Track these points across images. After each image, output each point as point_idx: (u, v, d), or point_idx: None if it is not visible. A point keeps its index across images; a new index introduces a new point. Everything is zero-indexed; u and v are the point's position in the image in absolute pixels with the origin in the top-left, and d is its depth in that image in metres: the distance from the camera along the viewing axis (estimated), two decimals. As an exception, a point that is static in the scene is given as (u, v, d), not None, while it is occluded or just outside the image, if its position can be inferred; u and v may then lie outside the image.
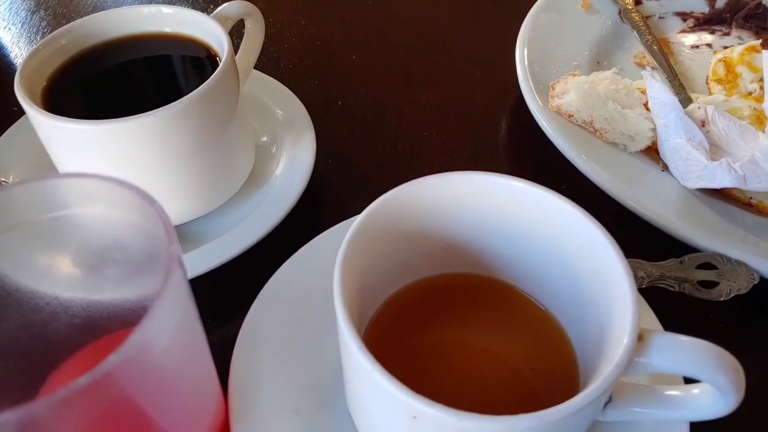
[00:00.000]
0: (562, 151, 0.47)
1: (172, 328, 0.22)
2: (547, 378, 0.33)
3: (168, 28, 0.45)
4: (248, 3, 0.47)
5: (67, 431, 0.21)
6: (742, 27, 0.63)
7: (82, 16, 0.44)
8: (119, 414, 0.22)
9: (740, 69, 0.54)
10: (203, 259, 0.40)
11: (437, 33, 0.67)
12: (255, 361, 0.34)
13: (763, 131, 0.45)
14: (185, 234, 0.44)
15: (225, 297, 0.42)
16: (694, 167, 0.43)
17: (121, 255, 0.29)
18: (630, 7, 0.62)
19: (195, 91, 0.38)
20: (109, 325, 0.31)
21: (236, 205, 0.46)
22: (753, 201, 0.45)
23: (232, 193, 0.45)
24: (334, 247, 0.29)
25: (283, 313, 0.36)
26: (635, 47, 0.60)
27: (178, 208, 0.42)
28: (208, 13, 0.44)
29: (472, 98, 0.59)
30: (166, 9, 0.44)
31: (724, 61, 0.55)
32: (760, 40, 0.58)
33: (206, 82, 0.38)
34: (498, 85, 0.60)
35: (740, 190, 0.45)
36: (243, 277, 0.41)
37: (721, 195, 0.46)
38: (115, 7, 0.45)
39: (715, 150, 0.45)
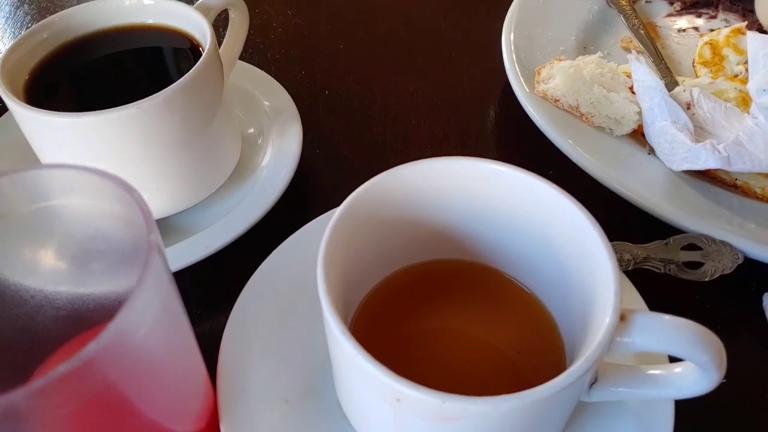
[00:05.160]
0: (548, 136, 0.47)
1: (153, 317, 0.22)
2: (534, 361, 0.33)
3: (150, 20, 0.44)
4: (231, -7, 0.47)
5: (49, 420, 0.21)
6: (728, 10, 0.63)
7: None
8: (103, 403, 0.22)
9: (726, 51, 0.54)
10: (190, 251, 0.40)
11: (424, 21, 0.67)
12: (243, 349, 0.34)
13: (748, 112, 0.45)
14: (172, 226, 0.44)
15: (213, 288, 0.42)
16: (679, 149, 0.43)
17: (104, 246, 0.29)
18: (616, -8, 0.62)
19: (176, 82, 0.37)
20: (96, 318, 0.31)
21: (223, 197, 0.45)
22: (738, 182, 0.45)
23: (218, 185, 0.45)
24: (321, 237, 0.29)
25: (271, 303, 0.36)
26: (622, 32, 0.60)
27: (164, 200, 0.42)
28: (191, 4, 0.44)
29: (460, 85, 0.59)
30: (148, 0, 0.44)
31: (710, 44, 0.55)
32: (746, 22, 0.58)
33: (188, 73, 0.38)
34: (485, 72, 0.60)
35: (726, 172, 0.45)
36: (230, 268, 0.41)
37: (707, 177, 0.46)
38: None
39: (700, 132, 0.45)
